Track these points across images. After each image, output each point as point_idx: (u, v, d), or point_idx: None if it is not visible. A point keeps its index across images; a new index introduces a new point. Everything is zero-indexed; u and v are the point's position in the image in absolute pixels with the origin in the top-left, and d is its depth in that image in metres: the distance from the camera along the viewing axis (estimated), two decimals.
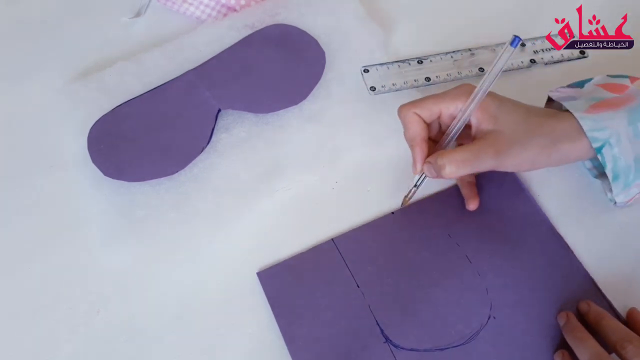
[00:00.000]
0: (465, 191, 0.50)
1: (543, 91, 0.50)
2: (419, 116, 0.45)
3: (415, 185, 0.48)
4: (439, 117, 0.46)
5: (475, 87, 0.45)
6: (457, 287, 0.46)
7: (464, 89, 0.45)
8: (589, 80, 0.49)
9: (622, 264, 0.47)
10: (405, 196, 0.49)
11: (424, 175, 0.47)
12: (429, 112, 0.45)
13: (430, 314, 0.45)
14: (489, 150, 0.43)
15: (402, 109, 0.46)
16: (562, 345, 0.43)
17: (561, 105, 0.46)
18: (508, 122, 0.44)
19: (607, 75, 0.48)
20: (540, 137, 0.43)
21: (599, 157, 0.43)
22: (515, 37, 0.43)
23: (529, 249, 0.47)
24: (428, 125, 0.46)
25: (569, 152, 0.44)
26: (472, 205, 0.49)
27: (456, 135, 0.46)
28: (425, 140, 0.46)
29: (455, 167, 0.43)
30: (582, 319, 0.44)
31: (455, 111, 0.45)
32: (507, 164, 0.44)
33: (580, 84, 0.49)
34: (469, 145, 0.44)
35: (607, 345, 0.41)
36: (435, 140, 0.48)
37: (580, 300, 0.45)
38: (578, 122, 0.43)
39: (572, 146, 0.44)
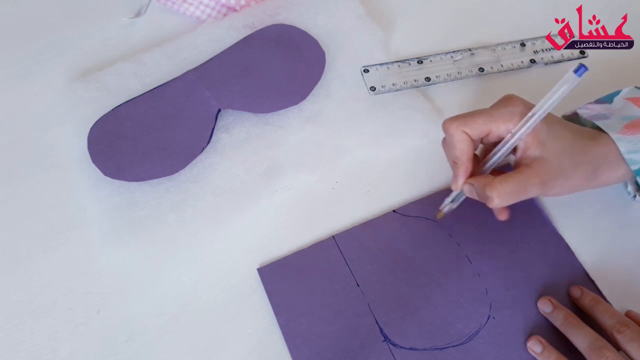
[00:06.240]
0: None
1: (543, 91, 0.50)
2: (467, 134, 0.43)
3: (452, 201, 0.47)
4: (486, 135, 0.44)
5: (524, 103, 0.43)
6: (457, 287, 0.46)
7: (515, 109, 0.43)
8: (617, 93, 0.48)
9: (621, 264, 0.47)
10: (440, 210, 0.47)
11: (462, 193, 0.46)
12: (478, 131, 0.43)
13: (430, 313, 0.45)
14: (535, 181, 0.42)
15: (450, 125, 0.44)
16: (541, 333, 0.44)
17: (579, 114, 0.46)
18: (555, 150, 0.43)
19: (636, 87, 0.48)
20: (583, 166, 0.43)
21: (638, 179, 0.43)
22: (581, 65, 0.39)
23: (529, 250, 0.48)
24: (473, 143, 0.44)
25: (608, 179, 0.44)
26: (502, 216, 0.47)
27: (502, 158, 0.44)
28: (471, 160, 0.44)
29: (504, 200, 0.42)
30: (572, 304, 0.45)
31: (505, 133, 0.43)
32: (550, 193, 0.44)
33: (608, 99, 0.48)
34: (515, 174, 0.43)
35: (602, 331, 0.42)
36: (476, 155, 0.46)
37: (572, 285, 0.45)
38: (615, 144, 0.43)
39: (611, 174, 0.44)
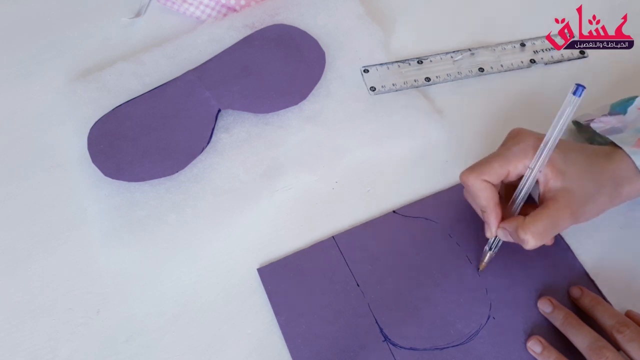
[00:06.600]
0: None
1: (543, 91, 0.50)
2: (488, 182, 0.43)
3: (490, 249, 0.46)
4: (505, 177, 0.44)
5: (534, 135, 0.43)
6: (457, 287, 0.46)
7: (527, 144, 0.43)
8: (631, 102, 0.48)
9: (621, 264, 0.47)
10: (482, 260, 0.47)
11: (497, 239, 0.45)
12: (497, 175, 0.43)
13: (430, 313, 0.45)
14: (565, 214, 0.42)
15: (468, 177, 0.43)
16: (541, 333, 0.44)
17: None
18: (575, 177, 0.42)
19: None
20: (605, 187, 0.43)
21: None
22: (578, 85, 0.39)
23: (529, 250, 0.47)
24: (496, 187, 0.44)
25: (629, 194, 0.44)
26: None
27: (526, 196, 0.44)
28: (498, 205, 0.44)
29: (539, 239, 0.41)
30: (572, 304, 0.45)
31: (523, 170, 0.43)
32: (581, 221, 0.43)
33: (622, 109, 0.48)
34: (543, 210, 0.42)
35: (602, 330, 0.42)
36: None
37: (572, 286, 0.45)
38: (631, 158, 0.43)
39: (631, 187, 0.44)
